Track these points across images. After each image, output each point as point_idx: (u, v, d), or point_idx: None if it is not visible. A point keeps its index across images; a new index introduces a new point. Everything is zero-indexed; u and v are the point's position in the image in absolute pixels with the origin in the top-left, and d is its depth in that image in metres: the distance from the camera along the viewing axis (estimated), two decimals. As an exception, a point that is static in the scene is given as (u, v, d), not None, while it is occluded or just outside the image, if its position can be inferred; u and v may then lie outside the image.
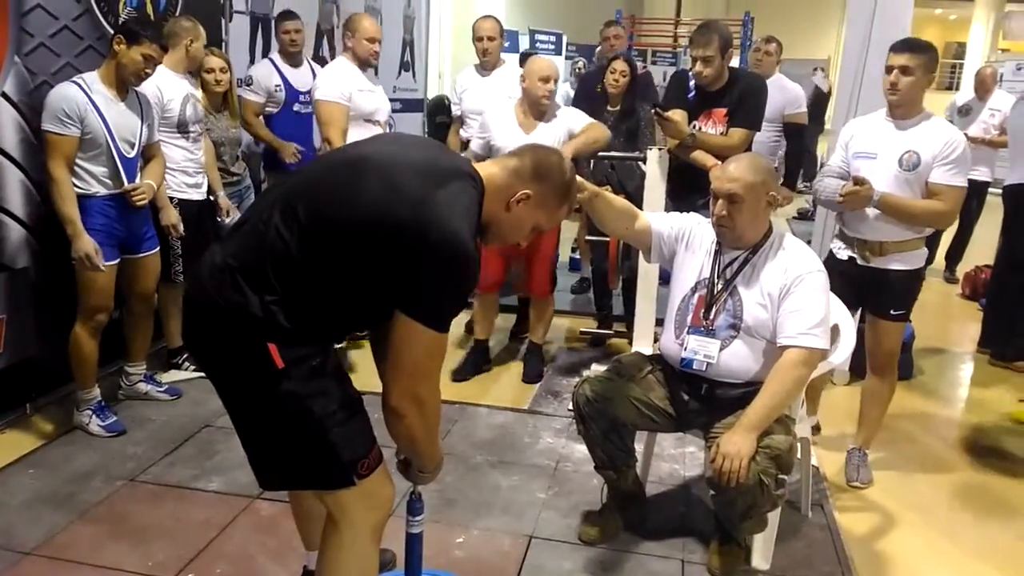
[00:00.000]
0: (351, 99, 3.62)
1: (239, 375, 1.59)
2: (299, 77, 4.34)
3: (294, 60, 4.34)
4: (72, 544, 2.41)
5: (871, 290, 2.89)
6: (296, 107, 4.32)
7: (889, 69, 2.75)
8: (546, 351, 4.09)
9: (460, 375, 3.80)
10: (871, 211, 2.78)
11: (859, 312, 2.96)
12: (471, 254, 1.51)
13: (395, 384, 1.55)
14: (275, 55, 4.36)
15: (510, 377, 3.91)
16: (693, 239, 2.46)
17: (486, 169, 1.70)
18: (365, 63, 3.74)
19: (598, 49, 6.15)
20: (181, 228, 3.36)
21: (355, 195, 1.54)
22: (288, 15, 4.34)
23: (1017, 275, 4.39)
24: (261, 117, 4.32)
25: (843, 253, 2.95)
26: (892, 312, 2.90)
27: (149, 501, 2.68)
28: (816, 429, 3.39)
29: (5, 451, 2.93)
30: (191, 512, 2.62)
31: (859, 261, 2.89)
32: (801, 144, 5.08)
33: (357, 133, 3.49)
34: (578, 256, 5.60)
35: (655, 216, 2.61)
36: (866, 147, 2.85)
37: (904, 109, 2.77)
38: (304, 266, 1.53)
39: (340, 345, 1.87)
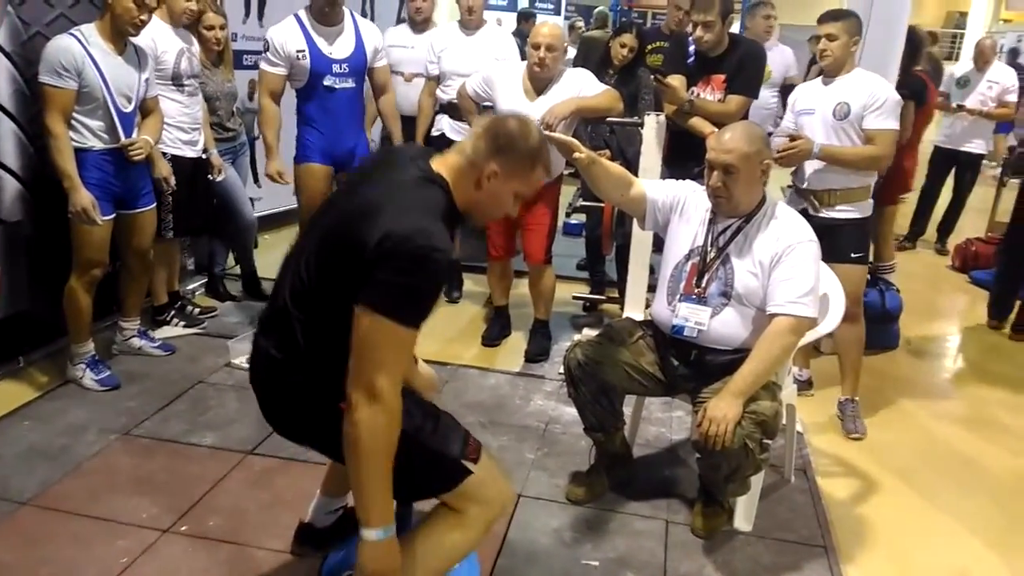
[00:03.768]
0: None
1: (332, 439, 1.60)
2: (334, 40, 3.46)
3: (328, 18, 3.44)
4: (67, 495, 2.45)
5: (825, 238, 2.97)
6: (328, 80, 3.45)
7: (817, 39, 3.07)
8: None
9: (488, 340, 3.90)
10: (816, 163, 3.04)
11: None
12: (430, 250, 1.49)
13: (351, 374, 1.51)
14: (303, 12, 3.47)
15: (515, 346, 3.89)
16: (687, 207, 2.48)
17: (447, 162, 1.71)
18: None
19: (597, 11, 6.09)
20: (173, 181, 3.33)
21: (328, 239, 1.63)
22: None
23: None
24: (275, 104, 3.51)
25: (795, 206, 3.06)
26: (852, 255, 3.09)
27: (143, 455, 2.71)
28: (809, 384, 3.53)
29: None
30: (184, 466, 2.65)
31: (810, 211, 3.06)
32: None
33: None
34: (573, 221, 5.61)
35: (650, 183, 2.63)
36: (805, 104, 3.14)
37: (834, 70, 3.06)
38: (326, 323, 1.60)
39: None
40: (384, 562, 1.56)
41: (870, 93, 2.97)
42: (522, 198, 1.78)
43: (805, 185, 3.11)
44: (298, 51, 3.40)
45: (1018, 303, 4.52)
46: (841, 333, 3.19)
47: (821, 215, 3.05)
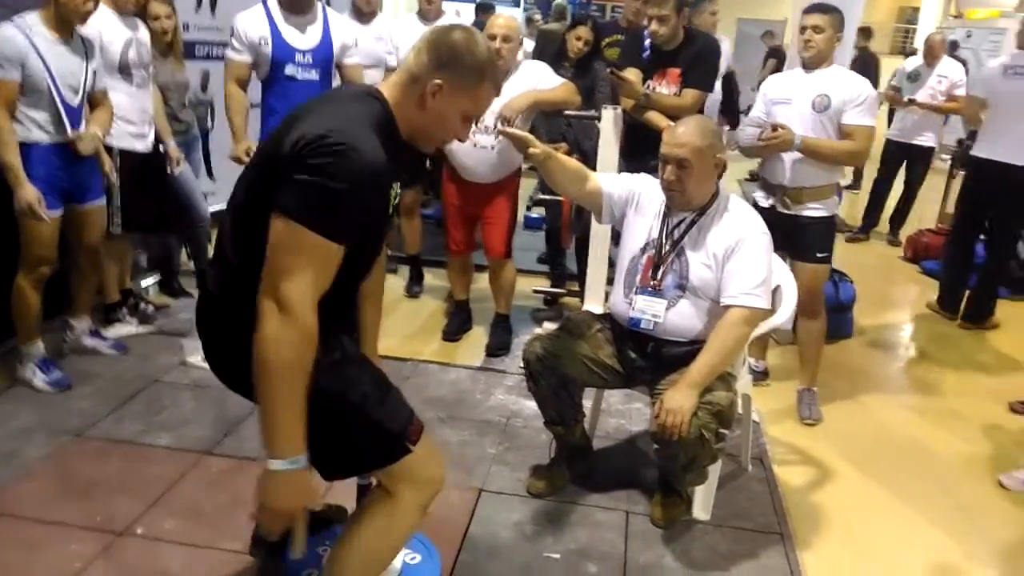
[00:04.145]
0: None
1: None
2: (302, 29, 3.38)
3: (296, 7, 3.37)
4: (17, 500, 2.39)
5: (793, 236, 3.12)
6: (290, 70, 3.35)
7: (803, 29, 3.10)
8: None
9: (448, 334, 3.88)
10: (791, 156, 3.06)
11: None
12: (348, 148, 1.37)
13: (261, 284, 1.40)
14: (271, 0, 3.37)
15: (476, 341, 3.88)
16: (642, 200, 2.50)
17: (388, 81, 1.62)
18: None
19: (556, 3, 6.10)
20: (115, 177, 3.21)
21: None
22: None
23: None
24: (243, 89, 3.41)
25: (765, 202, 3.19)
26: (817, 255, 3.15)
27: (96, 457, 2.66)
28: (765, 374, 3.60)
29: (-55, 405, 2.88)
30: (140, 468, 2.61)
31: (779, 208, 3.12)
32: (732, 95, 5.38)
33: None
34: (534, 215, 5.62)
35: (606, 177, 2.64)
36: (781, 94, 3.16)
37: (816, 62, 3.09)
38: (256, 247, 1.45)
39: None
40: (290, 497, 1.45)
41: (852, 88, 3.01)
42: (471, 120, 1.65)
43: (777, 181, 3.14)
44: (261, 38, 3.33)
45: (967, 293, 4.64)
46: (803, 327, 3.31)
47: (791, 212, 3.10)
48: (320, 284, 1.42)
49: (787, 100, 3.11)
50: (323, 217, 1.38)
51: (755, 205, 3.17)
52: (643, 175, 2.59)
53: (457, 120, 1.61)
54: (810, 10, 3.11)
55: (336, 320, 1.63)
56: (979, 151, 4.42)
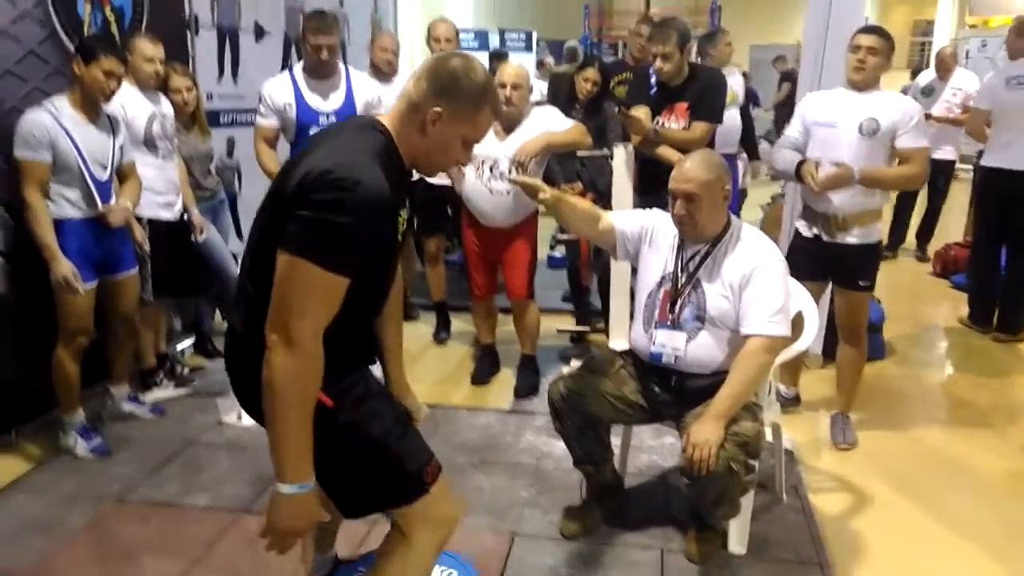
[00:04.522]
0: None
1: None
2: (325, 93, 3.58)
3: (318, 71, 3.58)
4: (62, 567, 2.44)
5: (837, 264, 3.09)
6: (314, 132, 3.49)
7: (856, 48, 2.99)
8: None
9: (477, 379, 3.92)
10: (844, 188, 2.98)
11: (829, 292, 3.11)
12: (352, 182, 1.39)
13: (269, 316, 1.44)
14: (298, 66, 3.66)
15: (505, 383, 3.90)
16: (656, 235, 2.53)
17: (390, 112, 1.64)
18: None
19: (568, 46, 6.22)
20: (147, 246, 3.35)
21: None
22: (314, 15, 3.64)
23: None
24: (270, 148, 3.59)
25: (808, 231, 3.15)
26: (860, 283, 3.10)
27: (137, 520, 2.71)
28: (796, 400, 3.55)
29: (-8, 478, 2.96)
30: (179, 529, 2.66)
31: (824, 238, 3.08)
32: (750, 125, 5.35)
33: None
34: (557, 254, 5.67)
35: (618, 215, 2.68)
36: (825, 116, 3.06)
37: (863, 85, 3.01)
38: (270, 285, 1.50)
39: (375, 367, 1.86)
40: (299, 518, 1.50)
41: (904, 111, 2.96)
42: (471, 144, 1.67)
43: (822, 209, 3.08)
44: (286, 103, 3.53)
45: (997, 305, 4.57)
46: (843, 353, 3.28)
47: (836, 240, 3.07)
48: (325, 316, 1.45)
49: (832, 123, 3.03)
50: (325, 251, 1.40)
51: (798, 234, 3.18)
52: (655, 210, 2.62)
53: (458, 145, 1.63)
54: (867, 31, 3.04)
55: (358, 349, 1.68)
56: (989, 161, 4.45)
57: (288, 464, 1.47)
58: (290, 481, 1.47)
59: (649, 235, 2.54)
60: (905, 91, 6.39)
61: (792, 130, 3.18)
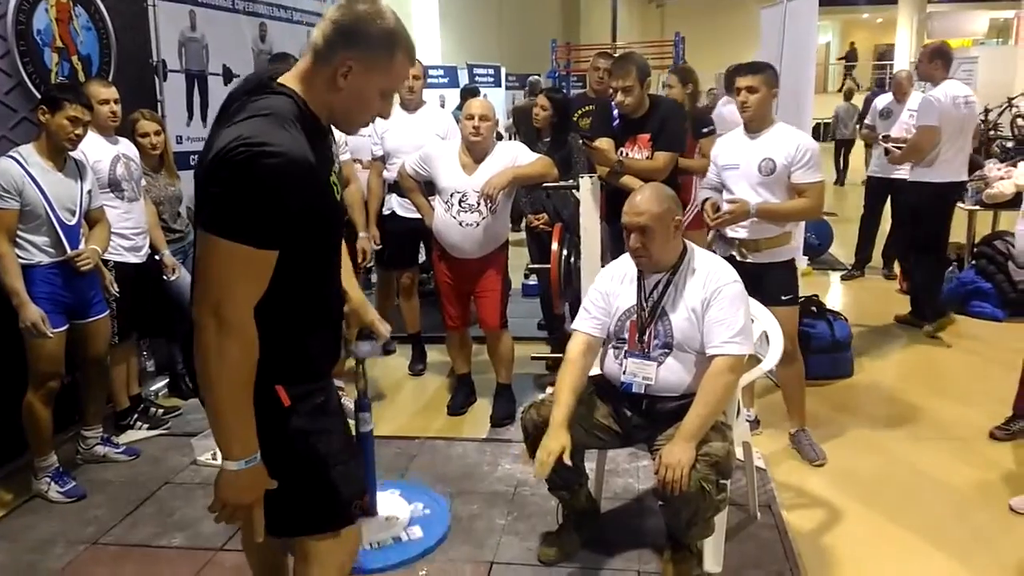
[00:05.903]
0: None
1: (263, 431, 1.52)
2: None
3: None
4: (36, 613, 2.43)
5: (756, 284, 3.13)
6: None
7: (737, 91, 3.16)
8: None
9: (453, 409, 3.95)
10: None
11: None
12: (256, 154, 1.34)
13: (195, 298, 1.42)
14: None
15: (482, 412, 3.92)
16: (615, 280, 2.58)
17: (294, 69, 1.54)
18: None
19: (530, 79, 6.35)
20: (115, 288, 3.35)
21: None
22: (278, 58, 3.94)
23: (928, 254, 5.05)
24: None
25: (723, 252, 3.26)
26: (783, 298, 3.20)
27: (112, 563, 2.70)
28: (756, 423, 3.60)
29: (-36, 526, 2.93)
30: (155, 570, 2.65)
31: (738, 258, 3.19)
32: None
33: None
34: (531, 282, 5.72)
35: (584, 324, 2.59)
36: (729, 159, 3.24)
37: (756, 122, 3.17)
38: None
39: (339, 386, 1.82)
40: (246, 492, 1.48)
41: (797, 147, 3.09)
42: (390, 95, 1.58)
43: (732, 234, 3.24)
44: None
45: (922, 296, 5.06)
46: (781, 372, 3.36)
47: (749, 261, 3.18)
48: (254, 291, 1.42)
49: (735, 165, 3.19)
50: (240, 225, 1.36)
51: None
52: (602, 272, 2.67)
53: (376, 98, 1.54)
54: (740, 71, 3.19)
55: (323, 319, 1.63)
56: (932, 176, 4.82)
57: (232, 440, 1.45)
58: (235, 457, 1.45)
59: (607, 297, 2.57)
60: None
61: (710, 174, 3.38)
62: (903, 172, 6.09)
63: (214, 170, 1.38)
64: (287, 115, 1.43)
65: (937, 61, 4.88)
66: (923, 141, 4.77)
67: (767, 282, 3.16)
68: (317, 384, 1.62)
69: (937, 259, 5.08)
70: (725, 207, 3.18)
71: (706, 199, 3.29)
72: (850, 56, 26.47)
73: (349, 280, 1.95)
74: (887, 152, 5.45)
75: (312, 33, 1.53)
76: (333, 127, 1.60)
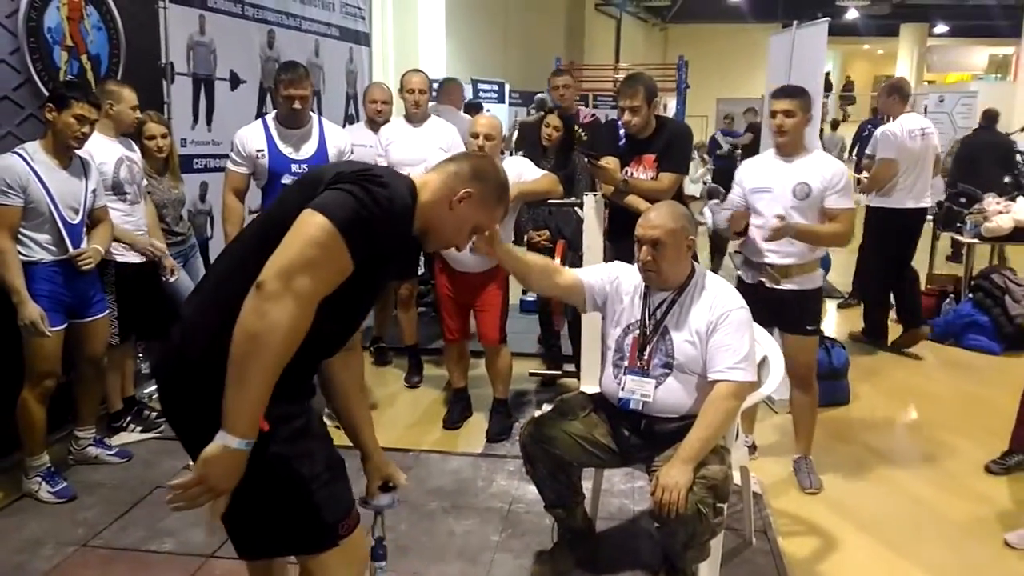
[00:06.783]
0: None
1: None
2: (297, 142, 3.65)
3: (291, 121, 3.64)
4: (23, 614, 2.40)
5: (782, 310, 3.18)
6: (287, 180, 3.51)
7: (773, 114, 3.14)
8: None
9: (448, 423, 3.93)
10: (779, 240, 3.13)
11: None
12: (378, 183, 1.51)
13: (272, 265, 1.42)
14: (271, 115, 3.74)
15: (477, 427, 3.91)
16: (622, 284, 2.58)
17: (424, 176, 1.75)
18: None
19: (538, 97, 6.39)
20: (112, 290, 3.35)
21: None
22: (287, 67, 3.68)
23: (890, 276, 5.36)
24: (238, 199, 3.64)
25: (751, 278, 3.25)
26: (807, 328, 3.20)
27: (101, 566, 2.67)
28: (752, 448, 3.58)
29: (-48, 523, 2.90)
30: (144, 575, 2.61)
31: (767, 284, 3.17)
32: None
33: None
34: (530, 298, 5.71)
35: (584, 270, 2.71)
36: (760, 183, 3.21)
37: (791, 147, 3.16)
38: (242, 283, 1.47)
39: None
40: (229, 476, 1.44)
41: (832, 174, 3.09)
42: (478, 233, 1.84)
43: (761, 259, 3.20)
44: (257, 151, 3.60)
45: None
46: (796, 399, 3.34)
47: (780, 287, 3.16)
48: (321, 286, 1.45)
49: (767, 189, 3.16)
50: (354, 227, 1.45)
51: (740, 282, 3.26)
52: (618, 263, 2.69)
53: (468, 228, 1.77)
54: (778, 95, 3.17)
55: (304, 378, 1.66)
56: (893, 203, 5.09)
57: (243, 416, 1.42)
58: (240, 435, 1.42)
59: (615, 283, 2.59)
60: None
61: (733, 195, 3.35)
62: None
63: (348, 176, 1.52)
64: (405, 197, 1.61)
65: (895, 96, 5.22)
66: (882, 172, 5.09)
67: (795, 310, 3.15)
68: (296, 407, 1.61)
69: (899, 276, 5.33)
70: (773, 221, 3.07)
71: (732, 212, 3.25)
72: (847, 87, 26.77)
73: (367, 431, 1.94)
74: (858, 183, 5.66)
75: (448, 162, 1.79)
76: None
